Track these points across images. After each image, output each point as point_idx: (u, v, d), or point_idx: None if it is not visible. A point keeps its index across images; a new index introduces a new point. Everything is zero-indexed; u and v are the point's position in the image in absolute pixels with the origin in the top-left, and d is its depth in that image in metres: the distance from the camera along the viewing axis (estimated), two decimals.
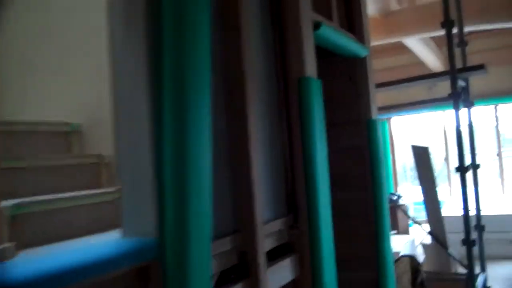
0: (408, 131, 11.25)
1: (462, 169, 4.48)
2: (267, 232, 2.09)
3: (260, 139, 2.13)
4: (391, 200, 6.88)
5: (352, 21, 3.46)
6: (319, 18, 2.74)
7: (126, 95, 1.52)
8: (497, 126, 10.04)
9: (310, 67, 2.46)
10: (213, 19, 1.95)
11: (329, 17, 2.96)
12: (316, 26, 2.61)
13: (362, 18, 3.47)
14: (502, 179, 10.04)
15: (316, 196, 2.33)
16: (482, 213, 5.61)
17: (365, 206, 3.36)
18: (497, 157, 10.10)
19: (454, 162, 5.52)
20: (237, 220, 1.94)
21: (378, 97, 3.82)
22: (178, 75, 1.40)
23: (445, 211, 6.91)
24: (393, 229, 6.73)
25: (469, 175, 4.76)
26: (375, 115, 3.40)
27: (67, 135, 3.33)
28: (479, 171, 5.42)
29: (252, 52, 2.15)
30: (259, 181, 2.00)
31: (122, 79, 1.54)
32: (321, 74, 2.75)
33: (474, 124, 5.64)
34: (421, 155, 5.36)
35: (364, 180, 3.34)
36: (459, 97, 4.73)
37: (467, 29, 5.25)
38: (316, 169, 2.34)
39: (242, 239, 1.92)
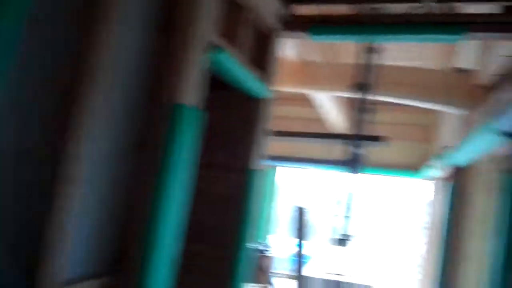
0: (297, 183, 11.15)
1: (339, 241, 4.28)
2: None
3: (91, 168, 1.61)
4: (258, 251, 6.57)
5: (262, 61, 3.09)
6: (222, 43, 2.32)
7: None
8: (385, 197, 10.32)
9: (191, 94, 2.00)
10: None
11: (234, 46, 2.55)
12: (212, 48, 2.18)
13: (272, 60, 3.11)
14: (376, 248, 10.28)
15: (156, 254, 1.84)
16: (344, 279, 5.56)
17: (221, 262, 2.92)
18: (378, 227, 10.35)
19: (336, 223, 5.44)
20: (26, 273, 1.39)
21: (272, 145, 3.50)
22: None
23: (310, 270, 6.97)
24: (256, 281, 6.43)
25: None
26: (259, 165, 3.00)
27: None
28: (354, 239, 5.30)
29: (115, 56, 1.65)
30: (68, 223, 1.47)
31: None
32: (213, 107, 2.33)
33: (362, 192, 5.54)
34: (299, 214, 5.20)
35: (229, 234, 2.91)
36: (351, 164, 4.57)
37: (376, 98, 5.17)
38: (164, 218, 1.86)
39: None
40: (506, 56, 3.97)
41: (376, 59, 4.32)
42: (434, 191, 7.41)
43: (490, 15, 3.11)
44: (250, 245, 3.05)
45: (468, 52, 4.90)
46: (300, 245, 6.22)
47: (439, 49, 5.56)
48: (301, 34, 3.23)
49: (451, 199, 4.94)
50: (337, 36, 3.20)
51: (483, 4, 3.28)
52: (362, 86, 4.38)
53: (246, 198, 2.87)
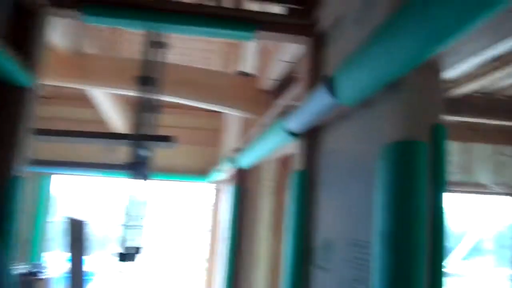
0: (76, 191, 10.09)
1: (126, 255, 3.85)
2: None
3: None
4: (30, 273, 5.61)
5: (24, 43, 2.44)
6: None
7: None
8: (173, 203, 10.10)
9: None
10: None
11: None
12: None
13: (37, 42, 2.51)
14: (165, 255, 9.99)
15: None
16: None
17: None
18: (166, 234, 10.07)
19: (121, 234, 4.96)
20: None
21: (43, 148, 2.87)
22: None
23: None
24: None
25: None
26: (20, 172, 2.35)
27: None
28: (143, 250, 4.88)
29: None
30: None
31: None
32: None
33: (148, 199, 5.15)
34: (75, 227, 4.59)
35: None
36: (135, 169, 4.15)
37: (162, 98, 4.86)
38: None
39: None
40: (286, 62, 4.10)
41: (162, 55, 3.99)
42: (218, 194, 7.50)
43: (277, 15, 3.09)
44: (16, 268, 2.42)
45: (251, 57, 5.00)
46: (80, 262, 5.55)
47: (226, 51, 5.58)
48: (72, 13, 2.68)
49: (235, 201, 4.94)
50: (114, 20, 2.75)
51: (272, 4, 3.28)
52: (145, 82, 3.99)
53: (4, 212, 2.21)
